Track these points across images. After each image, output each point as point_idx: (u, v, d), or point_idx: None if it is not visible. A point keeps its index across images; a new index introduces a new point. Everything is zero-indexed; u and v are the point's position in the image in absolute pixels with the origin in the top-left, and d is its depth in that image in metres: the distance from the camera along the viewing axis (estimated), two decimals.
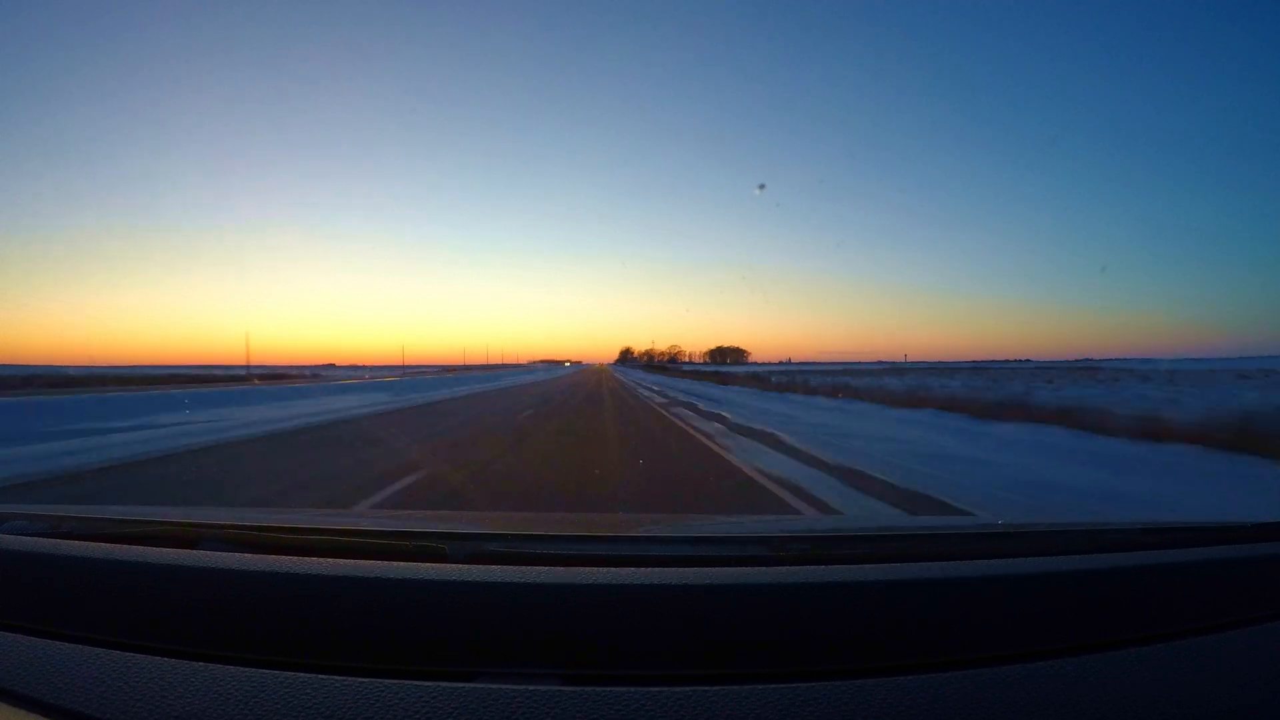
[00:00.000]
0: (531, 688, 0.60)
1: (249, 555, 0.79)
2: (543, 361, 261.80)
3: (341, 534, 0.92)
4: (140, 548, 0.83)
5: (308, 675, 0.61)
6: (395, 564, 0.75)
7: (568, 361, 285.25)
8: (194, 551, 0.81)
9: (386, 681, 0.60)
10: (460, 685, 0.60)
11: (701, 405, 15.52)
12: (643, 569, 0.74)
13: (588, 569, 0.73)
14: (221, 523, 0.96)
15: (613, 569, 0.73)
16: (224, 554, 0.79)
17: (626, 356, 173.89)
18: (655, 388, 28.33)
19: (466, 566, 0.74)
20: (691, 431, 9.52)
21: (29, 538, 0.89)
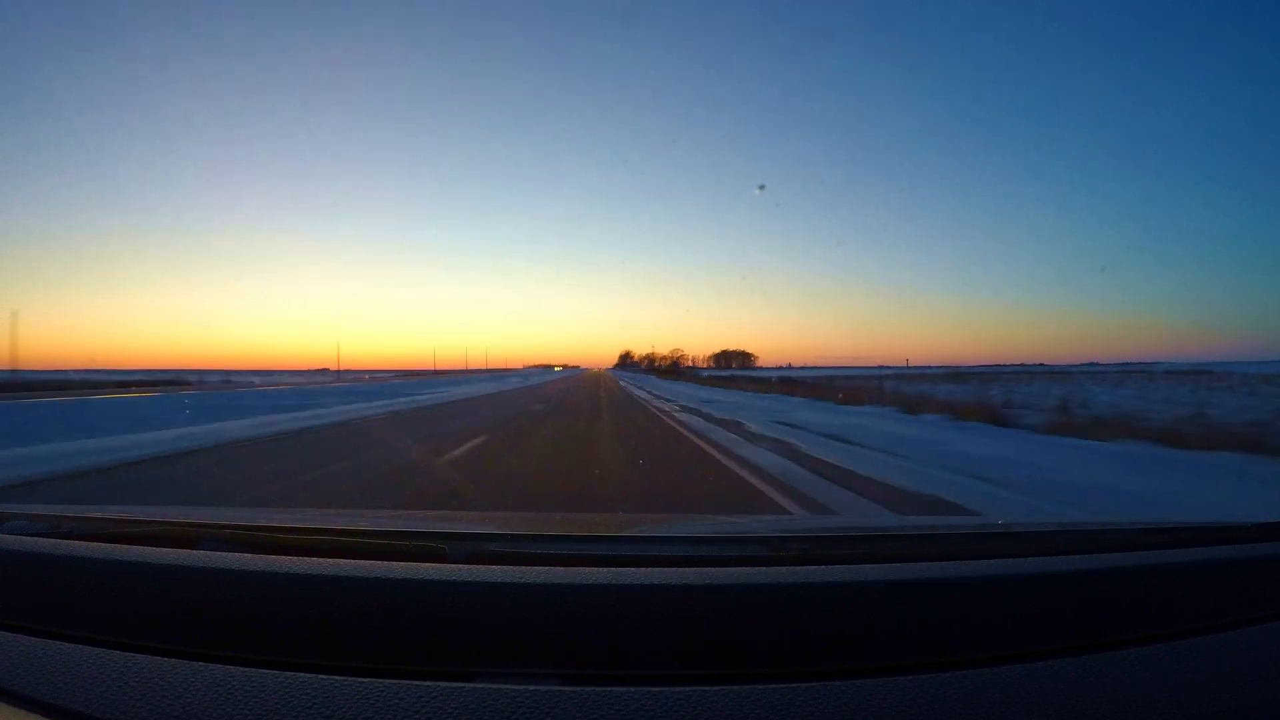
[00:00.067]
0: (531, 688, 0.60)
1: (249, 555, 0.79)
2: (537, 366, 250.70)
3: (341, 534, 0.92)
4: (140, 548, 0.83)
5: (308, 675, 0.61)
6: (395, 564, 0.75)
7: (558, 366, 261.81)
8: (194, 551, 0.81)
9: (386, 681, 0.60)
10: (460, 685, 0.60)
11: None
12: (643, 569, 0.74)
13: (588, 569, 0.73)
14: (221, 523, 0.96)
15: (613, 569, 0.73)
16: (224, 554, 0.79)
17: (626, 360, 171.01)
18: (723, 419, 12.06)
19: (466, 566, 0.74)
20: None
21: (29, 538, 0.89)
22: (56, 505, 1.08)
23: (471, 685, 0.60)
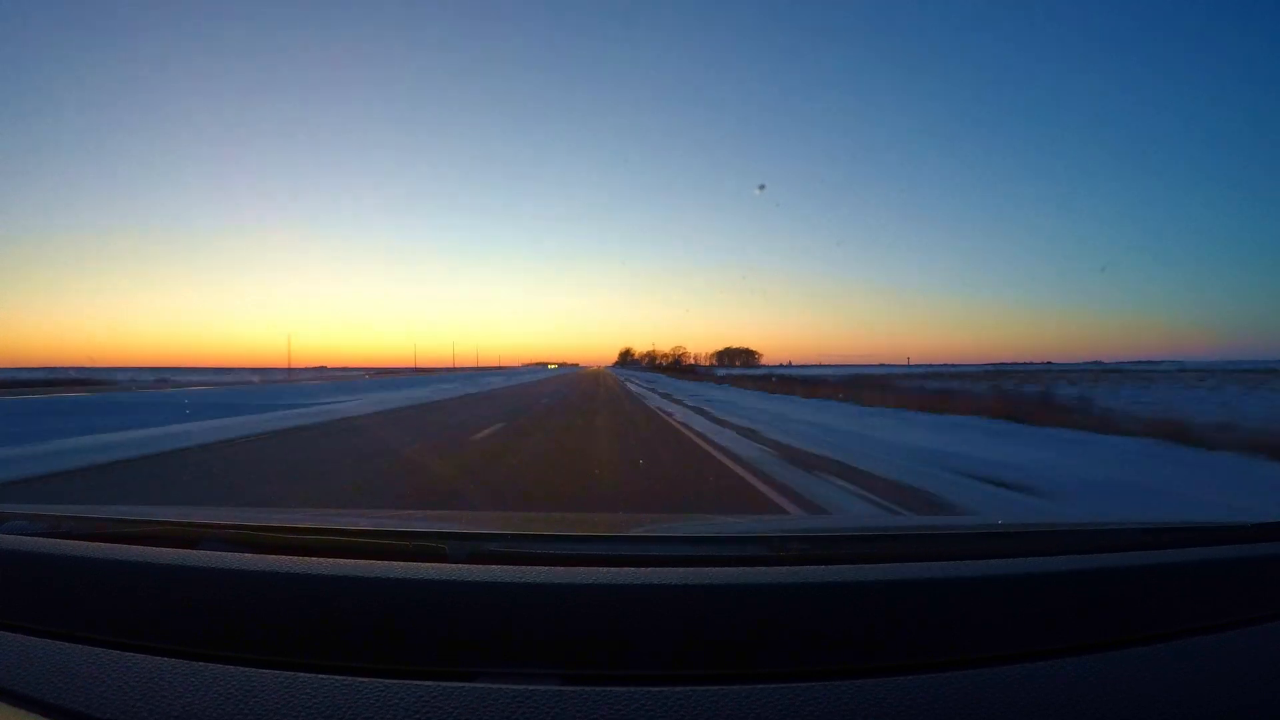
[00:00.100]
0: (531, 688, 0.60)
1: (249, 555, 0.79)
2: (532, 365, 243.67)
3: (341, 534, 0.92)
4: (140, 548, 0.83)
5: (308, 675, 0.61)
6: (395, 564, 0.75)
7: (552, 364, 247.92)
8: (194, 551, 0.81)
9: (386, 681, 0.60)
10: (460, 685, 0.60)
11: None
12: (643, 569, 0.74)
13: (588, 569, 0.73)
14: (221, 523, 0.96)
15: (613, 569, 0.73)
16: (224, 554, 0.79)
17: (627, 358, 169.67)
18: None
19: (466, 566, 0.74)
20: None
21: (29, 538, 0.89)
22: (57, 505, 1.08)
23: (471, 685, 0.60)
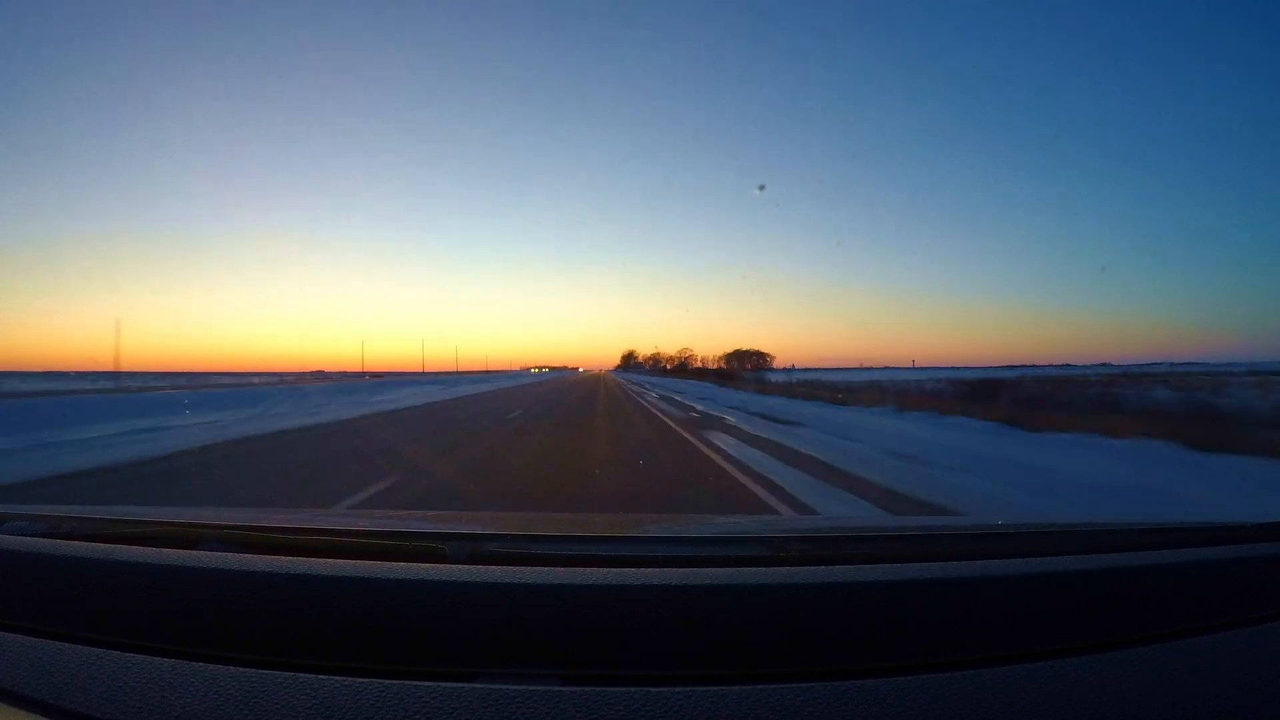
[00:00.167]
0: (531, 688, 0.60)
1: (249, 555, 0.79)
2: (530, 369, 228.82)
3: (341, 534, 0.93)
4: (140, 548, 0.83)
5: (308, 675, 0.62)
6: (395, 564, 0.75)
7: (535, 368, 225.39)
8: (193, 552, 0.81)
9: (386, 681, 0.60)
10: (460, 685, 0.60)
11: None
12: (643, 569, 0.74)
13: (588, 569, 0.73)
14: (221, 523, 0.96)
15: (613, 569, 0.73)
16: (223, 554, 0.79)
17: (630, 361, 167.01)
18: None
19: (466, 567, 0.74)
20: None
21: (29, 538, 0.89)
22: (57, 505, 1.09)
23: (471, 685, 0.60)
